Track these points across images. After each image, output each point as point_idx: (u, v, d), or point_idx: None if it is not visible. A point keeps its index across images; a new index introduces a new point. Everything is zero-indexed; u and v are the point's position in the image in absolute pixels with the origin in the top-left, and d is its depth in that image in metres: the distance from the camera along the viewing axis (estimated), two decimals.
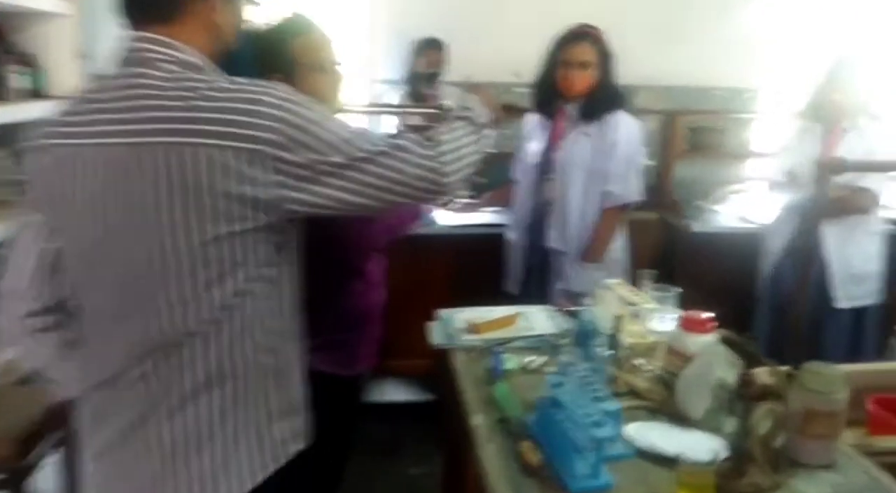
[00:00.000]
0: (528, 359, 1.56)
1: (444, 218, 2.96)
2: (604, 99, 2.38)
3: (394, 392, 3.22)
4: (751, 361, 1.41)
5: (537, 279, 2.59)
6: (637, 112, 2.75)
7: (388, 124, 3.55)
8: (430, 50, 3.39)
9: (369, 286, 1.70)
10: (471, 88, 1.40)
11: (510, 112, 3.07)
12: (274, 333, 1.05)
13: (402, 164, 1.03)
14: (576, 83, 2.35)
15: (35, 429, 2.05)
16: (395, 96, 3.55)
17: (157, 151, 0.92)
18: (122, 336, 1.00)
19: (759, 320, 2.77)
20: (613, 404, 1.18)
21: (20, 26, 2.69)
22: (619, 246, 2.51)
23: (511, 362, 1.54)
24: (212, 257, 0.95)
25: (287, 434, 1.07)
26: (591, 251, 2.43)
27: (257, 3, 1.29)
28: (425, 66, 3.37)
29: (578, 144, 2.42)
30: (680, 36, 3.75)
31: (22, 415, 2.08)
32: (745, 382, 1.39)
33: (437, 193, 1.07)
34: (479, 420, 1.31)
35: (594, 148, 2.40)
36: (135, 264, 0.96)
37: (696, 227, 2.93)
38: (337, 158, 0.98)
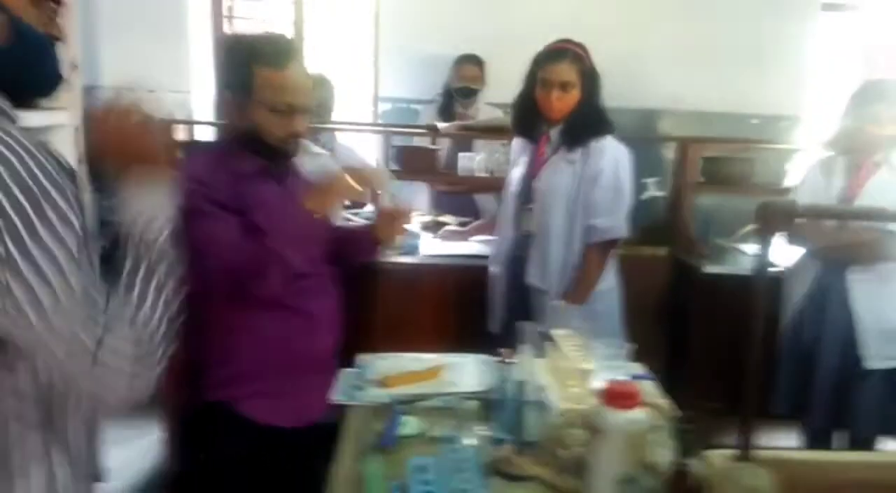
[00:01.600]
0: (433, 424, 1.32)
1: (429, 247, 2.75)
2: (587, 123, 2.13)
3: None
4: (685, 448, 1.15)
5: (519, 319, 2.34)
6: (634, 140, 2.48)
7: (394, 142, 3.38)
8: (464, 64, 3.24)
9: (314, 328, 1.54)
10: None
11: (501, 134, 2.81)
12: None
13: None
14: (555, 105, 2.11)
15: None
16: (427, 115, 3.39)
17: None
18: None
19: (781, 375, 2.43)
20: None
21: None
22: (608, 286, 2.24)
23: (410, 426, 1.31)
24: None
25: None
26: (574, 292, 2.16)
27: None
28: (458, 80, 3.20)
29: (560, 172, 2.17)
30: (711, 57, 3.48)
31: None
32: (677, 474, 1.13)
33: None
34: None
35: (577, 176, 2.15)
36: None
37: (708, 267, 2.60)
38: None
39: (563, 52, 2.11)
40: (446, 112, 3.26)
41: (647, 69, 3.47)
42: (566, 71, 2.09)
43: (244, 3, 3.74)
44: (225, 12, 3.69)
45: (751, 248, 2.80)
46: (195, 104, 3.50)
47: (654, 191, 2.78)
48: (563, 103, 2.11)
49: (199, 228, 1.31)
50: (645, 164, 3.06)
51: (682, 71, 3.49)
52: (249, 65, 1.40)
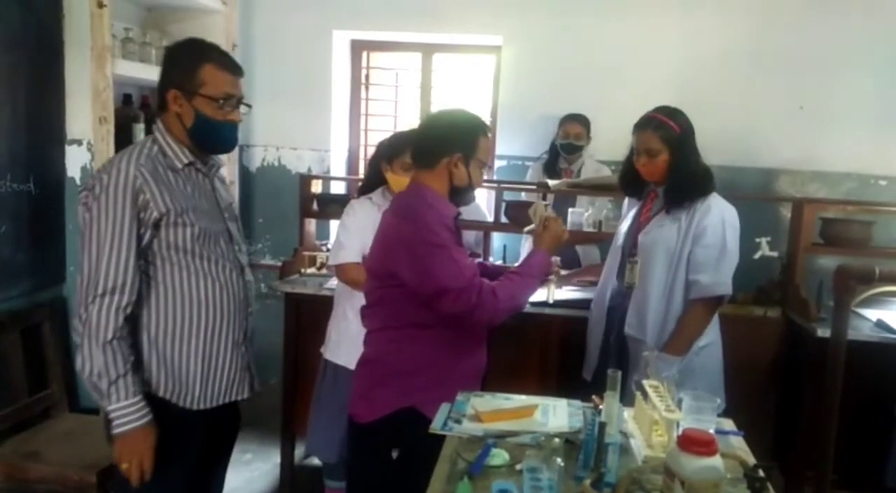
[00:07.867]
0: (519, 458, 1.43)
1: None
2: (686, 184, 2.21)
3: None
4: None
5: (614, 368, 2.39)
6: (747, 199, 2.48)
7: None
8: (568, 122, 3.43)
9: (480, 344, 1.94)
10: None
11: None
12: None
13: None
14: (643, 170, 2.25)
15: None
16: (535, 170, 3.60)
17: None
18: None
19: None
20: None
21: (177, 19, 3.24)
22: (707, 342, 2.26)
23: (499, 458, 1.43)
24: None
25: None
26: (671, 344, 2.20)
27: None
28: (562, 137, 3.41)
29: (664, 228, 2.25)
30: (836, 117, 3.43)
31: (105, 447, 2.30)
32: None
33: None
34: None
35: (681, 233, 2.22)
36: None
37: (822, 331, 2.52)
38: None
39: (648, 121, 2.24)
40: (552, 168, 3.44)
41: (768, 130, 3.47)
42: (649, 139, 2.21)
43: (379, 71, 4.13)
44: (362, 80, 4.10)
45: (870, 312, 2.69)
46: (333, 161, 3.90)
47: (766, 250, 2.74)
48: (651, 168, 2.23)
49: (445, 261, 1.73)
50: (762, 224, 3.05)
51: (804, 131, 3.46)
52: (477, 133, 1.83)
